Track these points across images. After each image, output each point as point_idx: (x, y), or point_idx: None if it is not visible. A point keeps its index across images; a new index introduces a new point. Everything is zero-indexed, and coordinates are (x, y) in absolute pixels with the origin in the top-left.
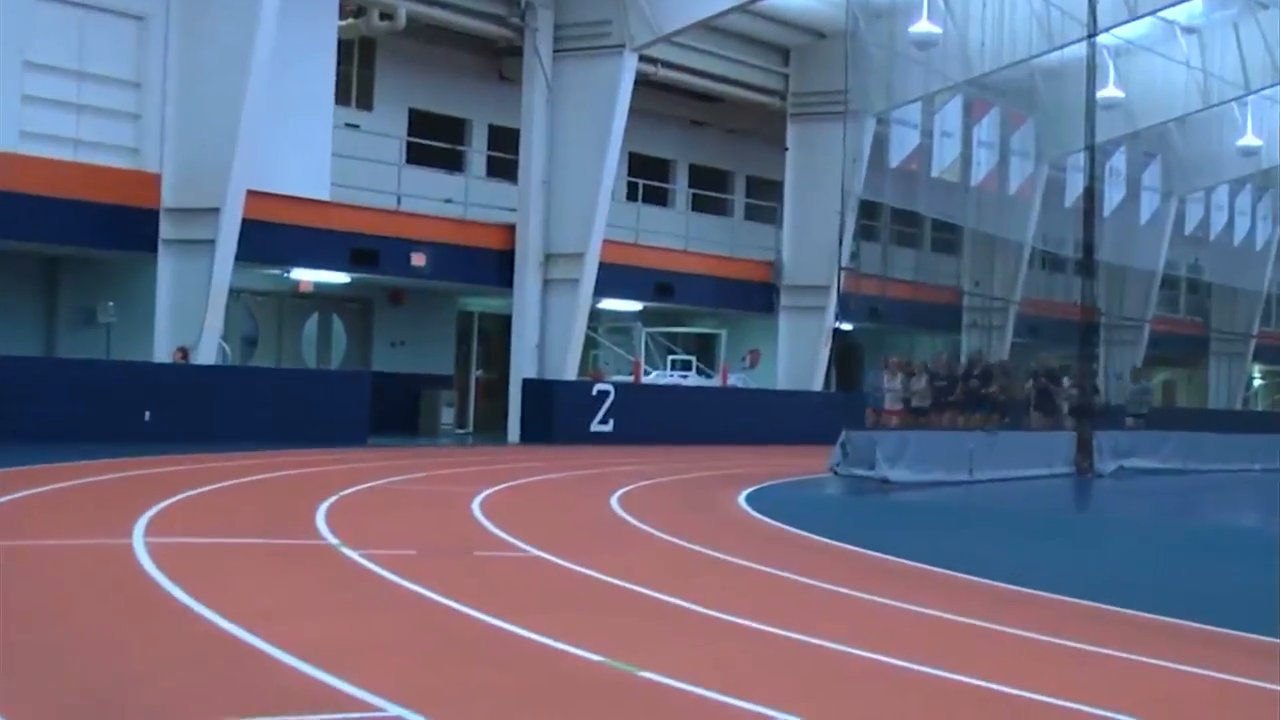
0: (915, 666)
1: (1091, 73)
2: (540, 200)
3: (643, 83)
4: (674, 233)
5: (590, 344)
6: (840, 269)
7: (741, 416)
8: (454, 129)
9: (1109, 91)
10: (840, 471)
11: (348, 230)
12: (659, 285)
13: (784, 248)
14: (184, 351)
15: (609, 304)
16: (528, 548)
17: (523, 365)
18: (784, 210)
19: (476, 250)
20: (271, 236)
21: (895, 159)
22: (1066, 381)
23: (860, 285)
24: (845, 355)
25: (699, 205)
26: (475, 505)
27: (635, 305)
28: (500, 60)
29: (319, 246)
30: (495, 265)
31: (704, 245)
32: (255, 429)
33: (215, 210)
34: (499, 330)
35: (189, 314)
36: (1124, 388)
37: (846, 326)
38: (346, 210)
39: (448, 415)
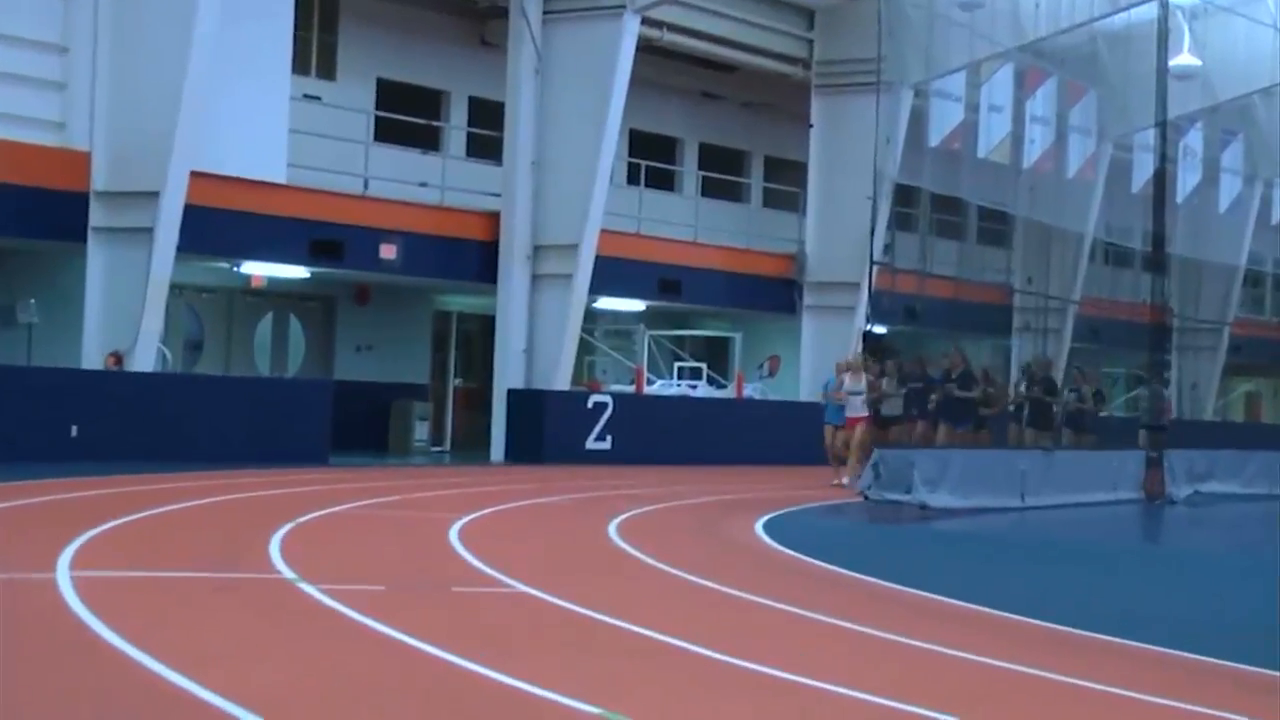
0: None
1: (1163, 38)
2: (528, 184)
3: (646, 49)
4: (682, 222)
5: (585, 349)
6: (872, 263)
7: (759, 432)
8: (429, 102)
9: (1183, 59)
10: (872, 496)
11: (307, 218)
12: (665, 282)
13: (807, 239)
14: (117, 357)
15: (607, 303)
16: (513, 582)
17: (508, 373)
18: (807, 196)
19: (455, 241)
20: (219, 225)
21: (935, 137)
22: (1068, 392)
23: (895, 282)
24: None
25: (710, 190)
26: (453, 534)
27: (637, 305)
28: (482, 24)
29: (274, 236)
30: (477, 258)
31: (716, 236)
32: (199, 446)
33: (154, 194)
34: (481, 333)
35: (123, 313)
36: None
37: (879, 330)
38: (305, 195)
39: (421, 430)
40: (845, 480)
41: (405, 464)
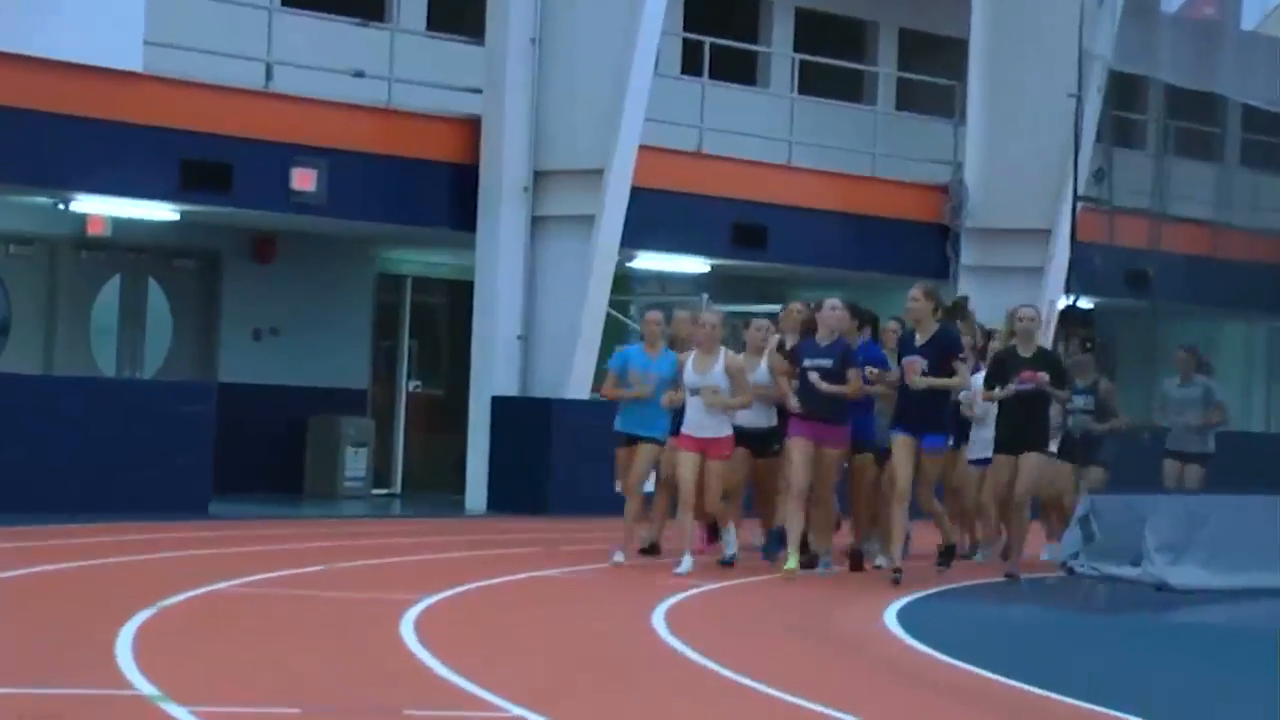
0: None
1: None
2: (525, 74)
3: None
4: (769, 133)
5: (614, 333)
6: (1075, 200)
7: None
8: None
9: None
10: (1080, 568)
11: (175, 127)
12: (741, 229)
13: (968, 161)
14: None
15: (649, 262)
16: (503, 704)
17: (493, 373)
18: (968, 93)
19: (410, 165)
20: (33, 136)
21: (1174, 1)
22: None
23: (1112, 229)
24: (1097, 354)
25: (813, 84)
26: (408, 626)
27: (698, 264)
28: None
29: (123, 156)
30: (444, 191)
31: (822, 157)
32: (6, 487)
33: None
34: (451, 310)
35: None
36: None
37: (1085, 304)
38: (173, 90)
39: (356, 462)
40: (728, 552)
41: (331, 515)
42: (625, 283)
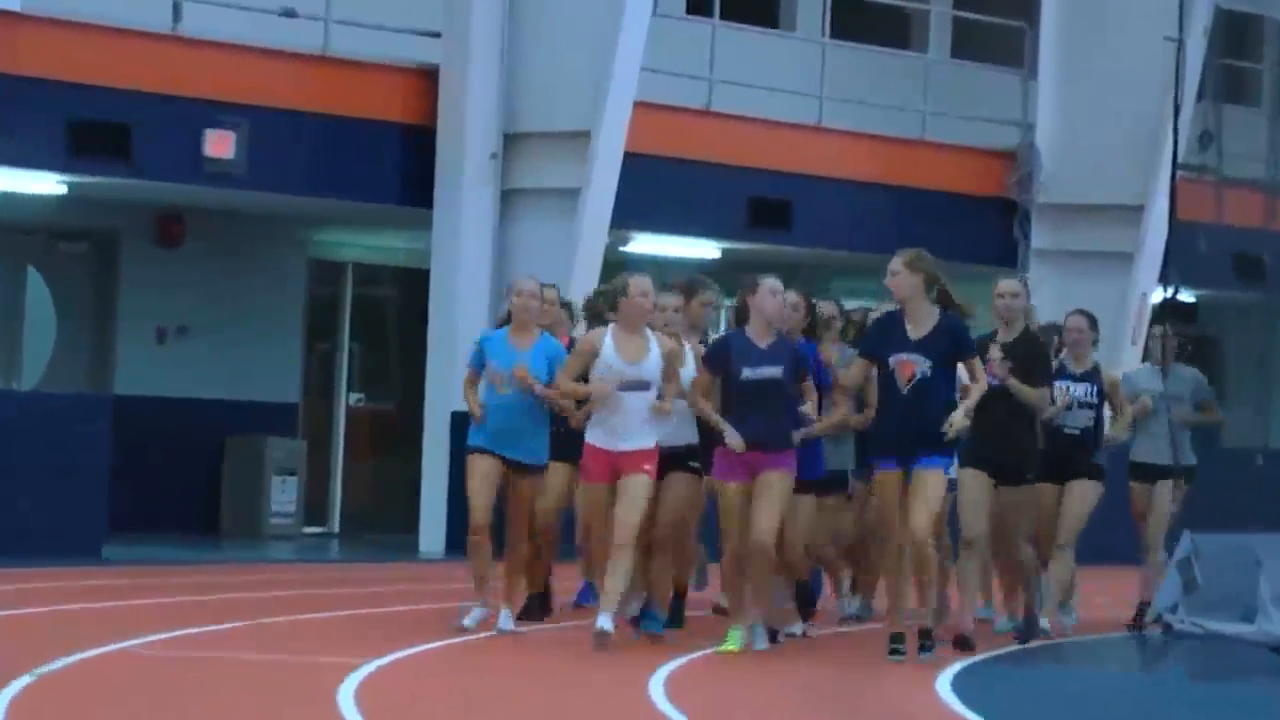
0: None
1: None
2: (495, 15)
3: None
4: (793, 87)
5: None
6: (1174, 169)
7: None
8: None
9: None
10: (1180, 624)
11: (61, 79)
12: (760, 204)
13: (1040, 121)
14: None
15: (648, 246)
16: None
17: (454, 382)
18: (1040, 38)
19: (349, 126)
20: None
21: None
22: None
23: (1220, 205)
24: (1187, 360)
25: (848, 25)
26: (346, 696)
27: (707, 248)
28: None
29: None
30: (392, 158)
31: (861, 116)
32: None
33: None
34: (401, 305)
35: None
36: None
37: (1187, 297)
38: (59, 34)
39: (284, 494)
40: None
41: (253, 559)
42: (618, 271)
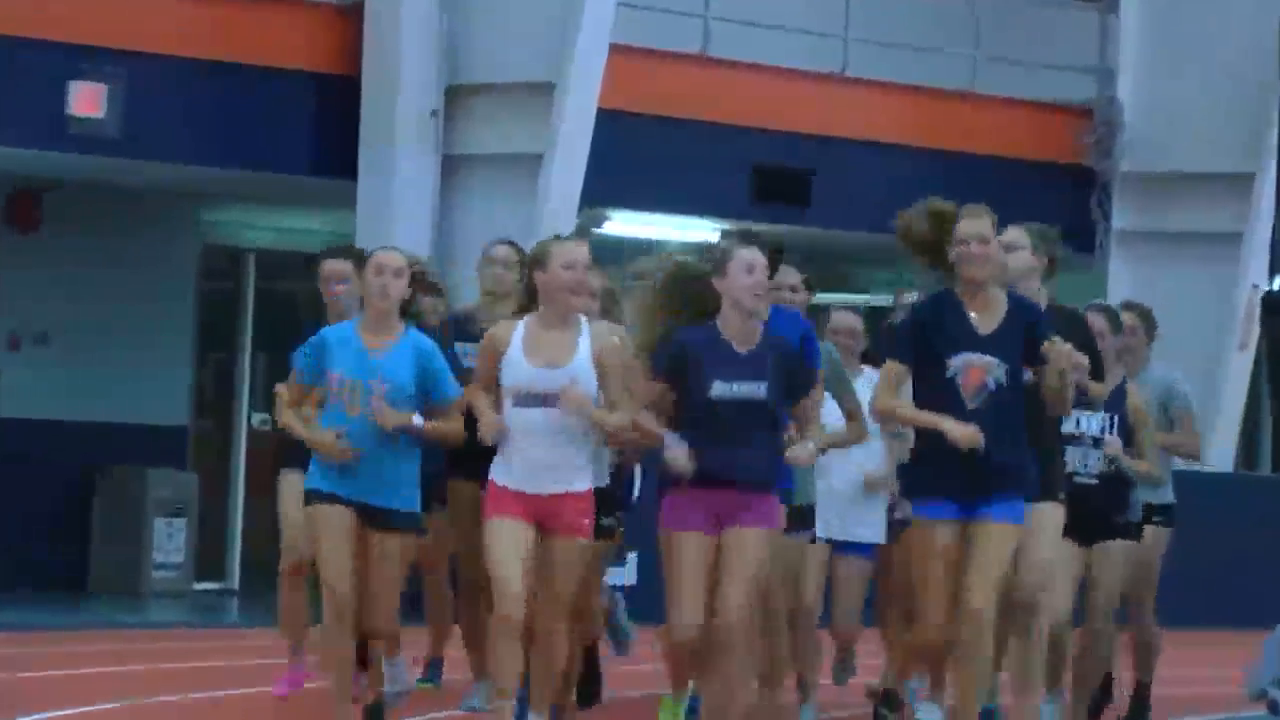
0: None
1: None
2: None
3: None
4: (811, 27)
5: None
6: None
7: None
8: None
9: None
10: None
11: None
12: (768, 175)
13: (1124, 70)
14: None
15: (626, 227)
16: None
17: None
18: None
19: (251, 76)
20: None
21: None
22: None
23: None
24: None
25: None
26: None
27: (703, 230)
28: None
29: None
30: (306, 117)
31: (894, 63)
32: None
33: None
34: (317, 300)
35: None
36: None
37: None
38: None
39: (170, 541)
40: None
41: (130, 624)
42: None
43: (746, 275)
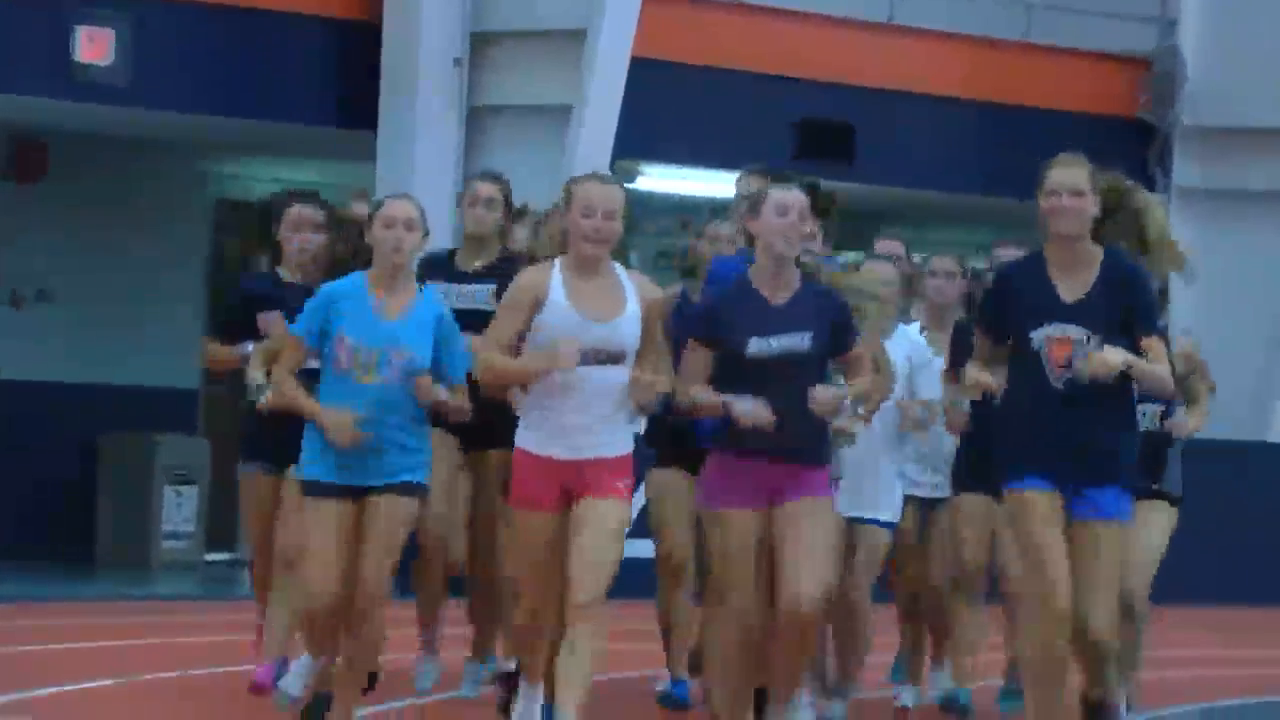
0: None
1: None
2: None
3: None
4: None
5: None
6: None
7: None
8: None
9: None
10: None
11: None
12: (811, 129)
13: (1185, 19)
14: None
15: (660, 183)
16: None
17: None
18: None
19: (263, 21)
20: None
21: None
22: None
23: None
24: None
25: None
26: None
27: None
28: None
29: None
30: (321, 65)
31: (944, 12)
32: None
33: None
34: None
35: None
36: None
37: None
38: None
39: (180, 510)
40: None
41: (138, 595)
42: (624, 214)
43: (779, 217)
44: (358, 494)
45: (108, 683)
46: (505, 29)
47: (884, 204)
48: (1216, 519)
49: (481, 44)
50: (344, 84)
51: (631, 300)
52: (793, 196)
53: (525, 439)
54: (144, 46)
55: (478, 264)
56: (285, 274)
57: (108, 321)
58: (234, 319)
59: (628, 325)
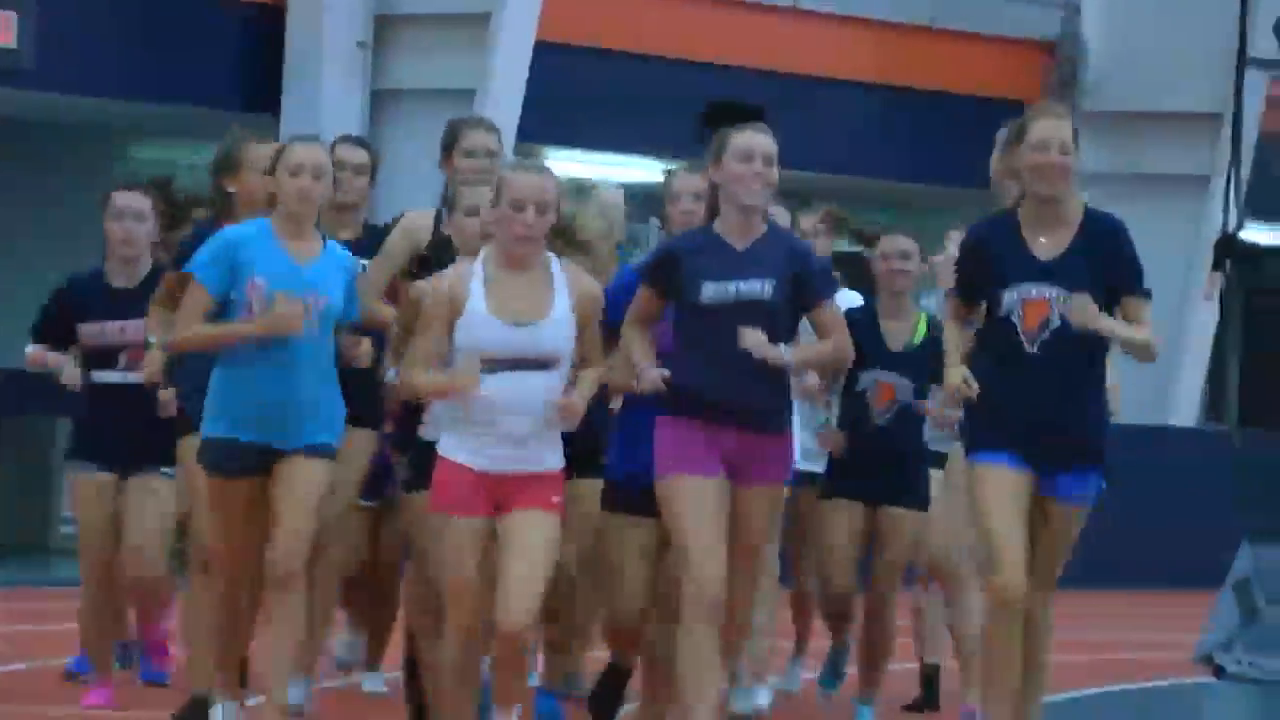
0: None
1: None
2: None
3: None
4: None
5: None
6: (1240, 66)
7: None
8: None
9: None
10: (1235, 666)
11: None
12: (721, 113)
13: (1087, 10)
14: None
15: (565, 166)
16: None
17: None
18: None
19: (173, 2)
20: None
21: None
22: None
23: None
24: (1267, 322)
25: None
26: None
27: (648, 170)
28: None
29: None
30: (229, 49)
31: None
32: None
33: None
34: None
35: None
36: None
37: (1260, 233)
38: None
39: None
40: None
41: (39, 581)
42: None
43: (741, 163)
44: (267, 457)
45: (4, 669)
46: (409, 12)
47: (791, 186)
48: (1121, 504)
49: (386, 27)
50: (249, 67)
51: (562, 297)
52: (758, 140)
53: (449, 445)
54: (49, 29)
55: (344, 235)
56: (110, 273)
57: (11, 305)
58: (51, 325)
59: (553, 328)
